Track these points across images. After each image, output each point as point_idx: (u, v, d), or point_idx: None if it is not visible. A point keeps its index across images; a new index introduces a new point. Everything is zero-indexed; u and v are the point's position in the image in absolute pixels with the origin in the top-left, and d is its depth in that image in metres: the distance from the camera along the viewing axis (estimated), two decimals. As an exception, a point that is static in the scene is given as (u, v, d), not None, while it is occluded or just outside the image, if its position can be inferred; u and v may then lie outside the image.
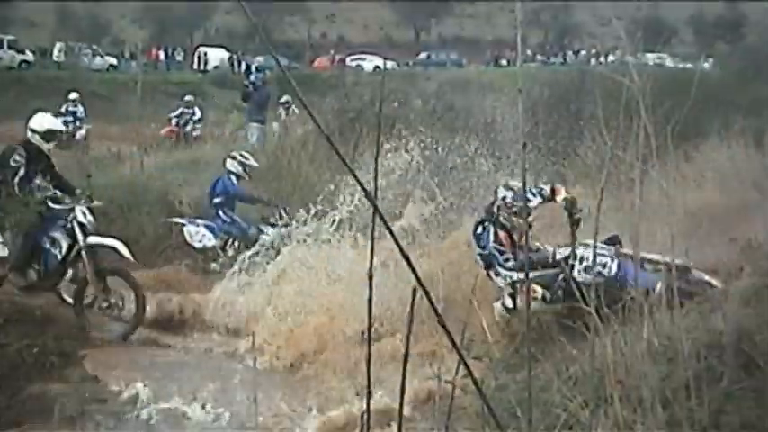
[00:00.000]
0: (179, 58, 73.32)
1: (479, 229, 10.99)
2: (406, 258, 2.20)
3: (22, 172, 12.70)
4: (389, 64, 69.56)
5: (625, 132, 12.30)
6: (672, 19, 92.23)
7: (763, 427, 5.79)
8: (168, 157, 20.66)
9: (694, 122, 14.51)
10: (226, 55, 67.61)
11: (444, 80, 28.39)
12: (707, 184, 14.44)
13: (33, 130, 13.07)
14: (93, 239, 12.84)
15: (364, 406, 2.53)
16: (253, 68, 27.61)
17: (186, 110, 30.75)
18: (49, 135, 13.15)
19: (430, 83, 26.83)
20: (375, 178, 2.52)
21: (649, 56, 54.02)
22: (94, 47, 66.84)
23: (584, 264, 10.05)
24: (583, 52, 78.34)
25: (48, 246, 12.84)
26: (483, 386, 7.51)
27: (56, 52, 62.14)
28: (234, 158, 16.34)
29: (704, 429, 5.61)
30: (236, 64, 63.84)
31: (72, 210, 12.85)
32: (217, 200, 16.00)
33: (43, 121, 13.22)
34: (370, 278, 2.35)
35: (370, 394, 2.43)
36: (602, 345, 6.51)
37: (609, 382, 5.95)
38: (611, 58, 64.23)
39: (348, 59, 71.16)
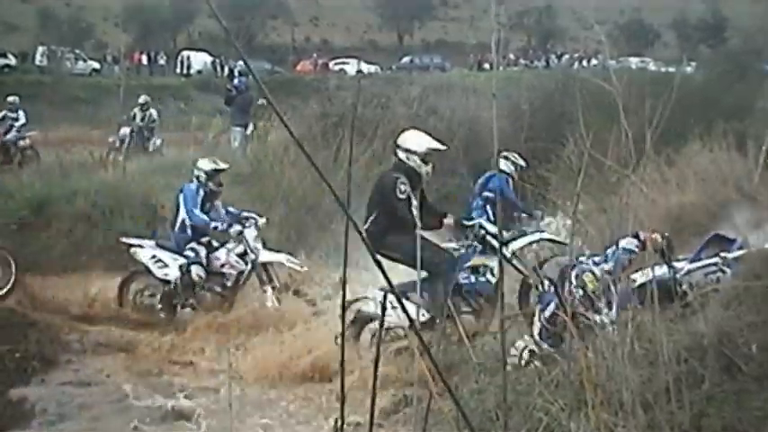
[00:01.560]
0: (162, 61, 73.10)
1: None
2: (378, 263, 2.19)
3: None
4: (373, 68, 69.59)
5: (607, 136, 12.35)
6: (655, 23, 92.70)
7: (743, 430, 5.80)
8: (150, 162, 20.60)
9: (676, 126, 14.55)
10: (209, 59, 67.47)
11: (428, 84, 28.27)
12: (689, 187, 14.48)
13: None
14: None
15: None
16: (236, 72, 27.53)
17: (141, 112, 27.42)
18: None
19: (413, 87, 26.73)
20: (348, 186, 2.50)
21: (632, 59, 54.30)
22: (77, 51, 66.65)
23: None
24: (566, 56, 78.48)
25: None
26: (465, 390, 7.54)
27: (38, 56, 61.96)
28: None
29: (685, 432, 5.62)
30: (219, 68, 63.72)
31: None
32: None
33: None
34: (344, 284, 2.35)
35: (344, 401, 2.43)
36: (583, 348, 6.52)
37: (589, 385, 5.95)
38: (594, 62, 64.46)
39: (331, 63, 71.17)
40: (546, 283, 10.52)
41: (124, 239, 14.48)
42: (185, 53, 70.44)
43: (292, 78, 55.07)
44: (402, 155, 11.80)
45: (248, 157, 20.88)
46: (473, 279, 12.12)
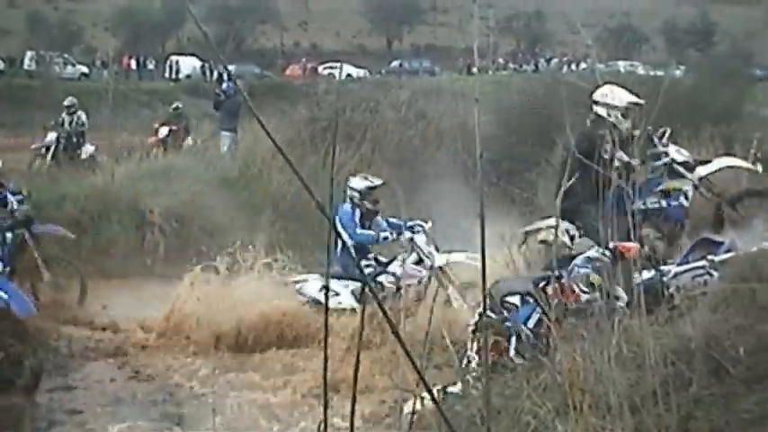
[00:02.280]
0: (151, 66, 73.13)
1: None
2: (358, 266, 2.19)
3: None
4: (362, 72, 69.63)
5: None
6: (644, 27, 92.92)
7: (731, 434, 5.81)
8: (139, 167, 20.56)
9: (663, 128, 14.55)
10: (198, 63, 67.42)
11: (417, 88, 28.29)
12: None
13: None
14: None
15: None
16: (224, 77, 27.51)
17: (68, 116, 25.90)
18: None
19: (402, 91, 26.73)
20: (331, 190, 2.50)
21: (621, 63, 54.39)
22: (66, 55, 66.61)
23: None
24: (555, 60, 78.59)
25: None
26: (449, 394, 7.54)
27: (27, 61, 61.89)
28: None
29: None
30: (208, 72, 63.69)
31: None
32: None
33: None
34: (326, 289, 2.34)
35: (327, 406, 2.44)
36: (571, 351, 6.53)
37: (577, 389, 5.96)
38: (582, 65, 64.54)
39: (320, 68, 71.19)
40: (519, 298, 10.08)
41: (293, 278, 13.60)
42: (174, 58, 70.44)
43: (281, 83, 55.05)
44: (601, 110, 11.60)
45: (237, 162, 20.87)
46: (663, 203, 11.94)
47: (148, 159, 21.51)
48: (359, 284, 12.59)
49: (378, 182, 13.66)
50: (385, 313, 2.46)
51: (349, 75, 64.96)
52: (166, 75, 67.92)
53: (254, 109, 2.56)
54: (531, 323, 9.28)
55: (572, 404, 5.94)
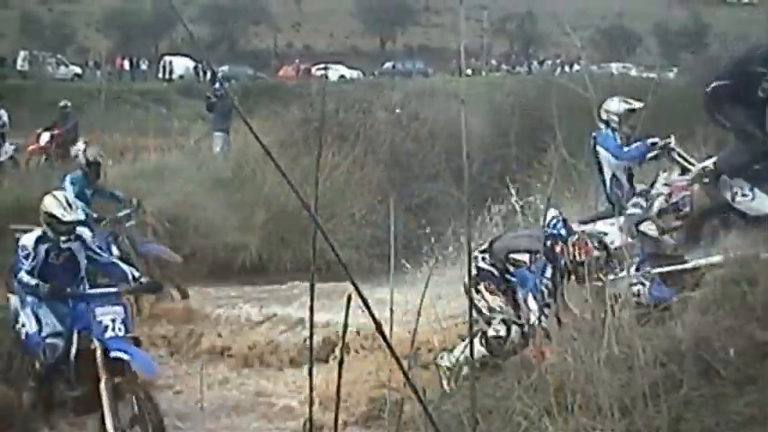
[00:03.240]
0: (144, 66, 73.01)
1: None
2: (338, 258, 2.21)
3: None
4: (355, 73, 69.66)
5: (587, 141, 12.38)
6: (636, 28, 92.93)
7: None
8: (133, 167, 20.56)
9: (657, 131, 14.57)
10: (191, 64, 67.34)
11: (410, 89, 28.36)
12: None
13: None
14: None
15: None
16: (218, 77, 27.54)
17: None
18: None
19: (395, 92, 26.76)
20: (315, 191, 2.52)
21: (614, 65, 54.45)
22: (59, 56, 66.50)
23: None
24: (548, 62, 78.63)
25: None
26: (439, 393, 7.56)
27: (19, 61, 61.74)
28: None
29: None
30: (201, 73, 63.62)
31: None
32: None
33: None
34: (312, 286, 2.37)
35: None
36: (563, 352, 6.56)
37: (568, 389, 5.98)
38: (576, 67, 64.57)
39: (314, 69, 71.11)
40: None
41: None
42: (167, 58, 70.37)
43: (275, 84, 54.99)
44: None
45: (230, 163, 20.88)
46: None
47: (142, 160, 21.52)
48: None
49: (637, 105, 12.06)
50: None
51: (342, 76, 64.97)
52: (160, 75, 67.84)
53: (242, 112, 2.62)
54: (548, 273, 9.35)
55: (563, 405, 5.97)
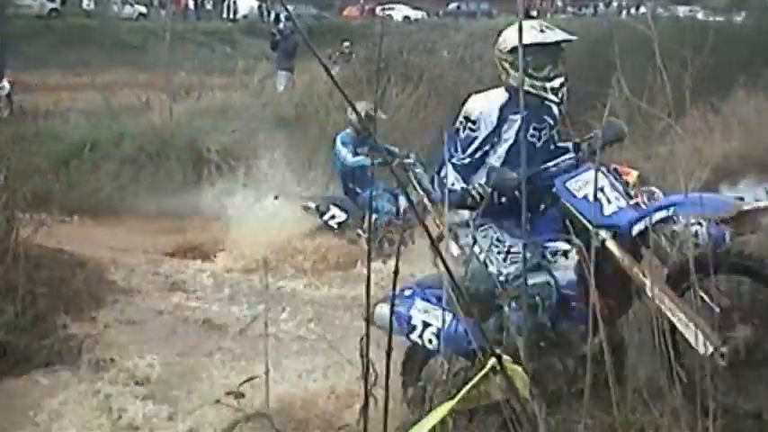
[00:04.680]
0: (209, 6, 72.98)
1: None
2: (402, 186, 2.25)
3: None
4: (419, 14, 69.22)
5: (652, 84, 12.29)
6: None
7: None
8: (197, 105, 20.72)
9: (723, 75, 14.48)
10: (255, 3, 67.22)
11: (473, 30, 28.19)
12: (733, 135, 14.42)
13: None
14: None
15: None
16: (281, 17, 27.55)
17: None
18: None
19: (459, 33, 26.65)
20: (375, 106, 2.57)
21: (680, 8, 53.62)
22: (124, -5, 66.75)
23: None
24: (614, 3, 77.62)
25: None
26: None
27: (85, 1, 62.00)
28: None
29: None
30: (265, 12, 63.52)
31: None
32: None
33: None
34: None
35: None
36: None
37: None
38: (642, 9, 63.68)
39: (378, 9, 70.70)
40: None
41: None
42: (231, -3, 70.38)
43: (339, 23, 54.87)
44: None
45: (293, 102, 20.95)
46: None
47: (206, 98, 21.68)
48: None
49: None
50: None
51: (407, 17, 64.61)
52: (224, 15, 67.84)
53: (313, 48, 2.63)
54: None
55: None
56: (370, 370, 2.73)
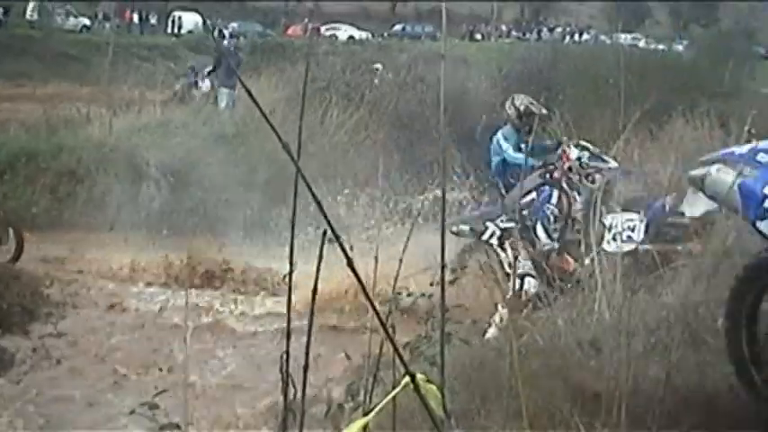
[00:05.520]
0: (153, 21, 72.67)
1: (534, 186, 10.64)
2: (318, 203, 2.27)
3: None
4: (364, 34, 69.40)
5: (592, 110, 12.45)
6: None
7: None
8: (137, 120, 20.62)
9: (662, 102, 14.63)
10: (200, 19, 67.05)
11: (417, 52, 28.34)
12: (669, 162, 14.58)
13: None
14: None
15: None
16: (226, 34, 27.54)
17: None
18: None
19: (403, 54, 26.80)
20: (299, 137, 2.57)
21: (623, 36, 54.30)
22: (68, 7, 66.21)
23: (613, 232, 9.49)
24: (558, 29, 78.30)
25: None
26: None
27: (29, 11, 61.44)
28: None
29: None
30: (209, 29, 63.35)
31: None
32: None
33: None
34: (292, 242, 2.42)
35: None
36: (554, 316, 6.62)
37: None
38: (585, 36, 64.35)
39: (323, 29, 70.79)
40: None
41: None
42: (176, 13, 69.99)
43: (283, 42, 54.89)
44: None
45: (234, 119, 20.92)
46: None
47: (147, 113, 21.58)
48: None
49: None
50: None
51: (351, 36, 64.77)
52: (168, 30, 67.58)
53: (238, 74, 2.63)
54: (553, 200, 9.77)
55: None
56: (290, 385, 2.75)
